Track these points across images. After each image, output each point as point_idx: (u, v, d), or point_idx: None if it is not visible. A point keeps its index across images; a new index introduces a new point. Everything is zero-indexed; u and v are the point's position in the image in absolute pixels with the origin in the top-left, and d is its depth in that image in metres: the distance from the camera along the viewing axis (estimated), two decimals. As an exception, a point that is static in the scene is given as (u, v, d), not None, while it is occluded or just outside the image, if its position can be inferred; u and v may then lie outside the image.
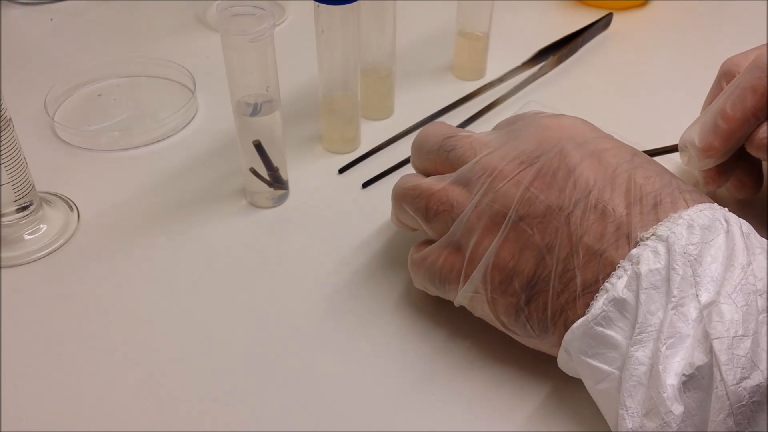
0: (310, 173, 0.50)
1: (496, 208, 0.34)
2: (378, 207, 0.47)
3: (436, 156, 0.39)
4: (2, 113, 0.40)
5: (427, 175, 0.40)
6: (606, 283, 0.31)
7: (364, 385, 0.37)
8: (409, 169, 0.50)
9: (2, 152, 0.41)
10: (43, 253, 0.44)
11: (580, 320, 0.32)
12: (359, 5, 0.46)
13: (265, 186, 0.46)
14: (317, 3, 0.44)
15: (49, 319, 0.40)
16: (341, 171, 0.50)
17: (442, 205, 0.36)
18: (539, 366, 0.37)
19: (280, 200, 0.47)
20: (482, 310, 0.36)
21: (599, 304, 0.31)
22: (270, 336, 0.39)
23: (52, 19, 0.67)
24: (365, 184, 0.49)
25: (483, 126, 0.53)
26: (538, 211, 0.33)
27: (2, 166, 0.41)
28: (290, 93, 0.56)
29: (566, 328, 0.33)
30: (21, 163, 0.43)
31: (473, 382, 0.37)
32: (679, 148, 0.44)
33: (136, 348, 0.39)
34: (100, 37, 0.65)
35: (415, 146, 0.41)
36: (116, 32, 0.65)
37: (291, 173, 0.48)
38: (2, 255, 0.43)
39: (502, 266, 0.34)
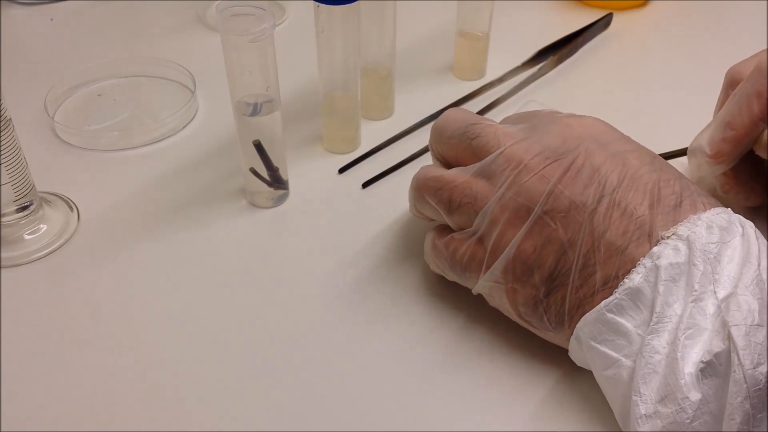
0: (310, 173, 0.50)
1: (521, 202, 0.35)
2: (378, 207, 0.47)
3: (459, 142, 0.39)
4: (2, 113, 0.40)
5: (446, 161, 0.40)
6: (625, 279, 0.32)
7: (371, 382, 0.37)
8: (409, 169, 0.50)
9: (2, 152, 0.41)
10: (43, 253, 0.44)
11: (594, 308, 0.33)
12: (359, 5, 0.46)
13: (265, 186, 0.46)
14: (317, 3, 0.44)
15: (49, 319, 0.40)
16: (341, 171, 0.50)
17: (465, 198, 0.37)
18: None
19: (280, 200, 0.47)
20: (500, 300, 0.37)
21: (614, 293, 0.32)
22: (270, 335, 0.39)
23: (52, 19, 0.67)
24: (365, 184, 0.49)
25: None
26: (563, 206, 0.34)
27: (2, 166, 0.41)
28: (290, 93, 0.56)
29: None
30: (21, 163, 0.43)
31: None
32: (688, 154, 0.44)
33: (136, 348, 0.39)
34: (100, 37, 0.65)
35: (436, 131, 0.41)
36: (116, 32, 0.65)
37: (291, 173, 0.48)
38: (2, 255, 0.43)
39: (524, 258, 0.35)
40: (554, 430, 0.35)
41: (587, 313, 0.33)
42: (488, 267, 0.36)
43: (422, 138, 0.52)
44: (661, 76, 0.60)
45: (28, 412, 0.36)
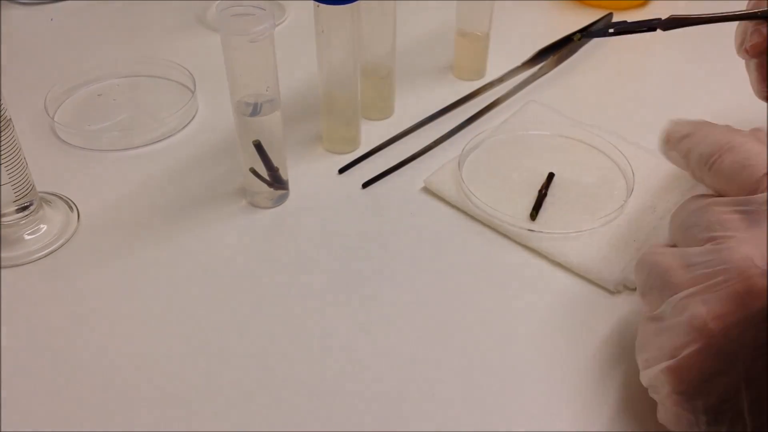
0: (310, 173, 0.50)
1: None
2: (378, 207, 0.47)
3: (694, 242, 0.33)
4: (2, 113, 0.40)
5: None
6: None
7: (370, 385, 0.37)
8: (409, 169, 0.50)
9: (2, 152, 0.41)
10: (43, 253, 0.44)
11: None
12: (359, 5, 0.46)
13: (265, 186, 0.46)
14: (317, 3, 0.44)
15: (49, 319, 0.40)
16: (341, 171, 0.50)
17: (657, 280, 0.32)
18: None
19: (280, 200, 0.47)
20: (656, 398, 0.33)
21: None
22: (269, 335, 0.39)
23: (52, 19, 0.67)
24: (365, 184, 0.49)
25: (483, 125, 0.53)
26: (751, 340, 0.29)
27: (2, 166, 0.41)
28: (290, 93, 0.56)
29: None
30: (21, 163, 0.43)
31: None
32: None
33: (136, 348, 0.39)
34: (100, 37, 0.65)
35: (673, 228, 0.35)
36: (116, 32, 0.65)
37: (291, 173, 0.48)
38: (2, 255, 0.43)
39: (687, 377, 0.30)
40: None
41: None
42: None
43: (422, 138, 0.52)
44: (660, 76, 0.60)
45: (28, 412, 0.36)
